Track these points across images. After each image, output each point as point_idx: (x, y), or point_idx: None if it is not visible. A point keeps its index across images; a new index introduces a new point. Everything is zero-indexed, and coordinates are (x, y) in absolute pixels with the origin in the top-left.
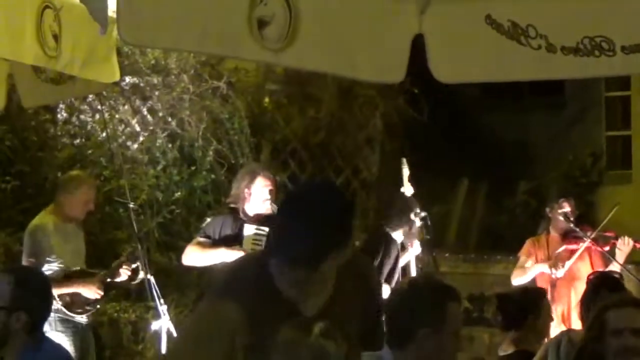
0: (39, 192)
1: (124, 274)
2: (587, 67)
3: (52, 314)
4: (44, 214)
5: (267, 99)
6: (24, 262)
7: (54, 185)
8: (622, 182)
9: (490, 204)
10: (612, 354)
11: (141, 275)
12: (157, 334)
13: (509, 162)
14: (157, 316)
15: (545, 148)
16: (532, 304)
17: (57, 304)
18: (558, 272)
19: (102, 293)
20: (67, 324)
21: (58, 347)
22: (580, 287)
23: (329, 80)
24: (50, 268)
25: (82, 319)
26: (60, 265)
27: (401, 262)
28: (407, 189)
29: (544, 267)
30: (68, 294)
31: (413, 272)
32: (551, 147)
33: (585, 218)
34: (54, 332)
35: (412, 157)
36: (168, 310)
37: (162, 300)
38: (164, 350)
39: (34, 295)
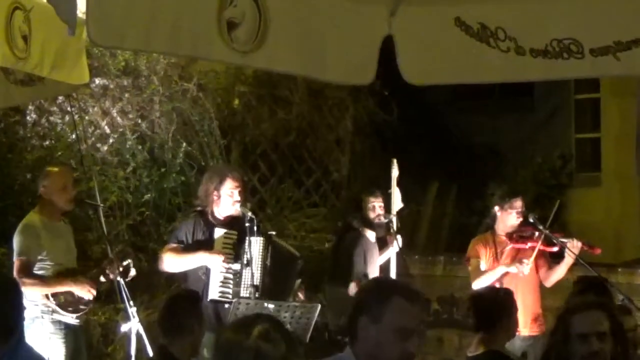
0: (8, 193)
1: (113, 272)
2: (555, 69)
3: (44, 315)
4: (31, 214)
5: (237, 101)
6: (16, 261)
7: (23, 187)
8: (592, 184)
9: (460, 206)
10: (579, 358)
11: (132, 272)
12: (126, 336)
13: (478, 164)
14: (127, 318)
15: (514, 150)
16: (504, 304)
17: (51, 305)
18: (525, 269)
19: (94, 292)
20: (59, 325)
21: (31, 351)
22: (523, 286)
23: (299, 82)
24: (42, 267)
25: (74, 320)
26: (51, 263)
27: (380, 260)
28: (395, 190)
29: (509, 268)
30: (62, 294)
31: (393, 270)
32: (521, 149)
33: (554, 219)
34: (46, 334)
35: (382, 159)
36: (137, 312)
37: (131, 302)
38: (133, 352)
39: (5, 302)
